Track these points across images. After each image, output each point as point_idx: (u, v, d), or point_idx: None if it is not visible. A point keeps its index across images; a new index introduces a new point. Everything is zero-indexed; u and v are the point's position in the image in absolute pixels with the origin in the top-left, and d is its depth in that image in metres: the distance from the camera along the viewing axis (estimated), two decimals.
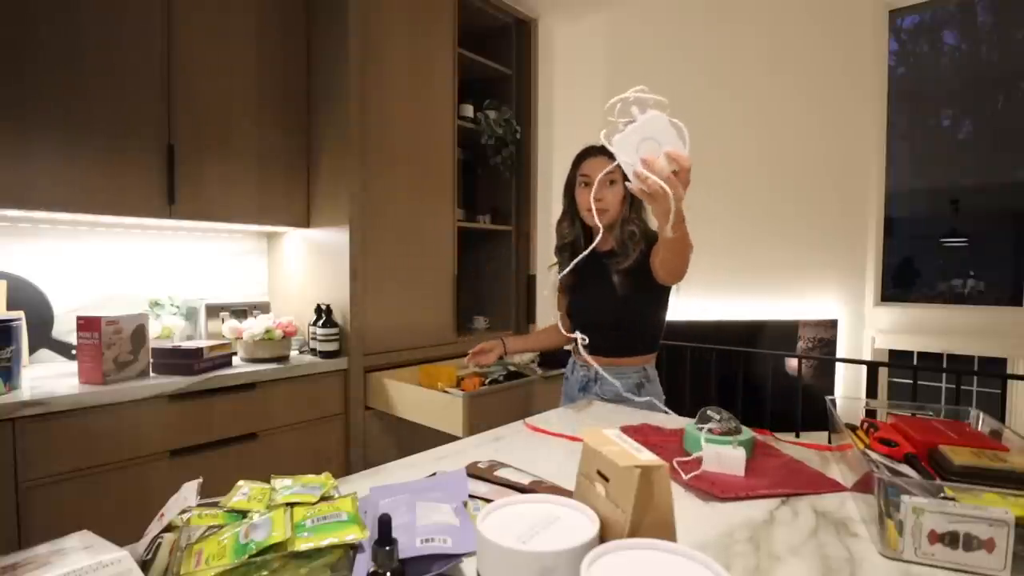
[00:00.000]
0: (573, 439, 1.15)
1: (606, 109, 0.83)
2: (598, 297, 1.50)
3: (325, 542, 0.58)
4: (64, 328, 1.82)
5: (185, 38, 1.79)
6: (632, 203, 1.43)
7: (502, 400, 1.85)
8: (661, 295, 1.50)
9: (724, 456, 0.92)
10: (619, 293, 1.43)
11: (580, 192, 1.45)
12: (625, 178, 1.40)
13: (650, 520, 0.53)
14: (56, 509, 1.39)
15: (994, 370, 3.15)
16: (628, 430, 1.19)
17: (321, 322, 1.99)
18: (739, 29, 3.44)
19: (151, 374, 1.65)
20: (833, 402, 1.03)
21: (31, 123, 1.51)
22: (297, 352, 2.09)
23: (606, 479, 0.57)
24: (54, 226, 1.83)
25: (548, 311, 1.68)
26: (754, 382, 2.96)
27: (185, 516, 0.61)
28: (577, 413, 1.39)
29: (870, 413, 1.06)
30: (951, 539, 0.63)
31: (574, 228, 1.51)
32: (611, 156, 1.39)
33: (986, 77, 3.76)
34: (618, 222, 1.44)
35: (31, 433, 1.35)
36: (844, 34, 3.40)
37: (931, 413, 1.00)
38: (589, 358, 1.36)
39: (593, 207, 1.19)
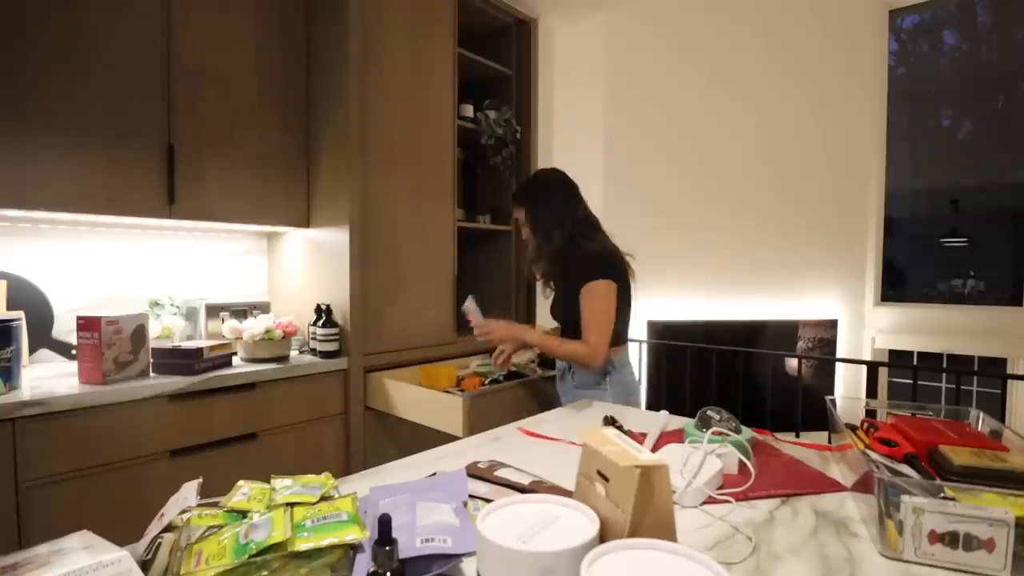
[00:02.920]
0: (571, 444, 1.14)
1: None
2: (556, 300, 1.74)
3: (325, 542, 0.58)
4: (64, 328, 1.82)
5: (185, 38, 1.79)
6: (536, 232, 1.70)
7: (502, 400, 1.85)
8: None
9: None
10: (567, 298, 1.66)
11: None
12: (527, 216, 1.71)
13: (650, 520, 0.53)
14: (56, 509, 1.39)
15: (994, 370, 3.15)
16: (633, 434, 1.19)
17: (321, 322, 1.99)
18: (739, 29, 3.44)
19: (151, 374, 1.65)
20: (833, 402, 1.03)
21: (31, 123, 1.51)
22: (297, 352, 2.09)
23: (606, 479, 0.57)
24: (54, 226, 1.83)
25: (548, 311, 1.75)
26: (754, 382, 2.96)
27: (185, 516, 0.61)
28: (577, 413, 1.39)
29: (870, 413, 1.06)
30: (951, 539, 0.63)
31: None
32: (514, 202, 1.75)
33: (986, 77, 3.76)
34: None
35: (31, 433, 1.35)
36: (844, 34, 3.40)
37: (931, 413, 1.01)
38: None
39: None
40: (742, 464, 0.90)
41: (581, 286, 1.57)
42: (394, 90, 2.17)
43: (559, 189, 1.71)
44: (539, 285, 1.85)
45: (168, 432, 1.59)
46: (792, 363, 3.27)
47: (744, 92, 3.45)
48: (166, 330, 1.90)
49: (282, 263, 2.32)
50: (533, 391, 1.99)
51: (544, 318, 2.70)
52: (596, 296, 1.56)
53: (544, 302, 1.82)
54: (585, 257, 1.61)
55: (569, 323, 1.65)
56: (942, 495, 0.65)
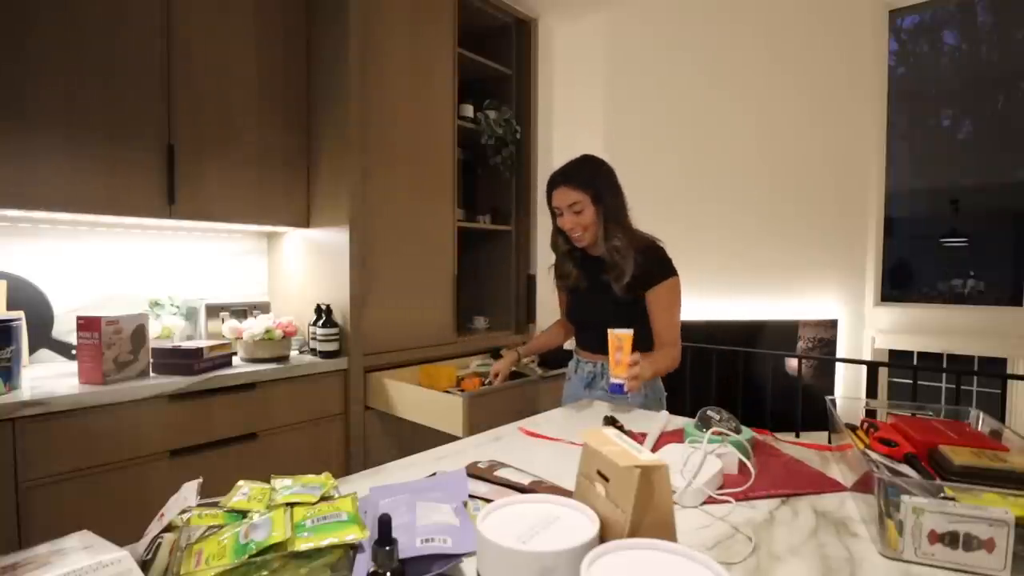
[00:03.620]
0: (571, 444, 1.14)
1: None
2: (596, 299, 1.58)
3: (325, 542, 0.58)
4: (64, 328, 1.82)
5: (185, 38, 1.79)
6: (608, 219, 1.50)
7: (502, 400, 1.85)
8: None
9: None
10: (621, 299, 1.50)
11: (558, 220, 1.56)
12: (593, 202, 1.48)
13: (650, 520, 0.53)
14: (56, 509, 1.39)
15: (994, 370, 3.15)
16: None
17: (321, 322, 1.99)
18: (739, 29, 3.44)
19: (151, 374, 1.65)
20: (833, 402, 1.03)
21: (31, 123, 1.51)
22: (297, 352, 2.09)
23: (606, 479, 0.57)
24: (54, 226, 1.83)
25: (548, 311, 1.71)
26: (754, 382, 2.96)
27: (185, 516, 0.61)
28: (578, 413, 1.39)
29: (870, 413, 1.06)
30: (951, 539, 0.63)
31: (567, 242, 1.60)
32: (572, 184, 1.49)
33: (986, 77, 3.76)
34: (600, 238, 1.52)
35: (31, 433, 1.35)
36: (844, 34, 3.40)
37: (931, 413, 1.01)
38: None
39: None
40: (742, 464, 0.90)
41: (658, 282, 1.47)
42: (394, 90, 2.17)
43: (617, 180, 1.56)
44: (554, 281, 1.71)
45: (168, 432, 1.59)
46: (792, 363, 3.27)
47: (744, 92, 3.45)
48: (166, 330, 1.90)
49: (282, 263, 2.32)
50: (533, 391, 1.99)
51: (544, 317, 2.70)
52: (676, 294, 1.49)
53: (542, 301, 1.76)
54: (659, 252, 1.51)
55: (633, 322, 1.40)
56: (942, 495, 0.65)
